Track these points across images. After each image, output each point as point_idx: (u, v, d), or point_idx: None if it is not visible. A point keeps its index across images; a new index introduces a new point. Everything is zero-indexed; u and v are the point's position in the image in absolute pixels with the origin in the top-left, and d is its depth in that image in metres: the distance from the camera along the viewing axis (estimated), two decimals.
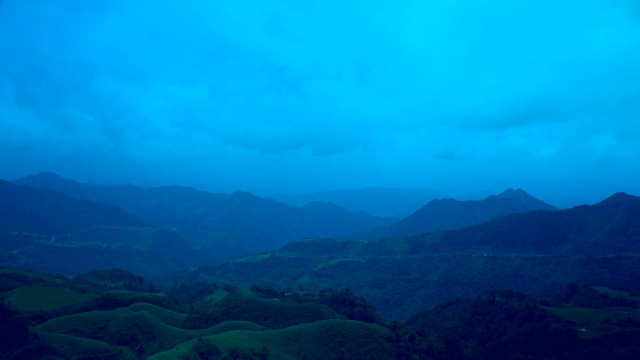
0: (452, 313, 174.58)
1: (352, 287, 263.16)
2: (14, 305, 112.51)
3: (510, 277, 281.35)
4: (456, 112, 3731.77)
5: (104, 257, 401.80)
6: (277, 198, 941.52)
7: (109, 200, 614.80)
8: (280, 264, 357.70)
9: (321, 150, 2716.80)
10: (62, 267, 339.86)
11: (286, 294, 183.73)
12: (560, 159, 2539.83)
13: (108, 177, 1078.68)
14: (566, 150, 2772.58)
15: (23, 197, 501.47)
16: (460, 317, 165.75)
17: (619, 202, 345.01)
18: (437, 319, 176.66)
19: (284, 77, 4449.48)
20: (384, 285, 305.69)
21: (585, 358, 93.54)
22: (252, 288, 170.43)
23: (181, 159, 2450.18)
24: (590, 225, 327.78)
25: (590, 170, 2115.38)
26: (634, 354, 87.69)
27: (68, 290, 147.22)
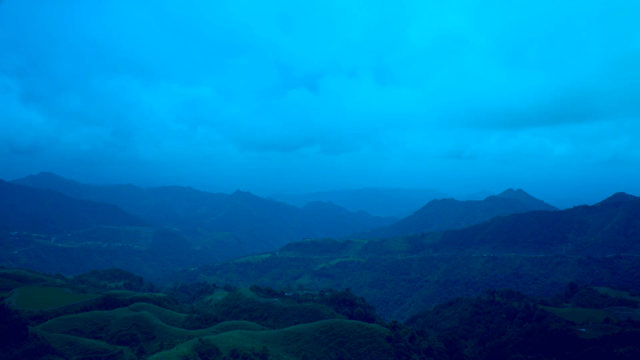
0: (452, 313, 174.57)
1: (352, 287, 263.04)
2: (14, 305, 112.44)
3: (510, 277, 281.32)
4: (474, 110, 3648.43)
5: (104, 257, 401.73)
6: (277, 198, 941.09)
7: (109, 200, 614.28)
8: (280, 264, 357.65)
9: (330, 149, 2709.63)
10: (62, 267, 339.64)
11: (286, 294, 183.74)
12: (575, 160, 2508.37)
13: (108, 177, 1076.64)
14: (584, 151, 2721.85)
15: (23, 197, 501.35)
16: (460, 317, 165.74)
17: (619, 202, 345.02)
18: (437, 319, 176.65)
19: (296, 75, 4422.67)
20: (384, 285, 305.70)
21: (585, 358, 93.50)
22: (252, 288, 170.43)
23: (185, 159, 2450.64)
24: (590, 225, 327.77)
25: (602, 170, 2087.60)
26: (634, 354, 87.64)
27: (68, 290, 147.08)
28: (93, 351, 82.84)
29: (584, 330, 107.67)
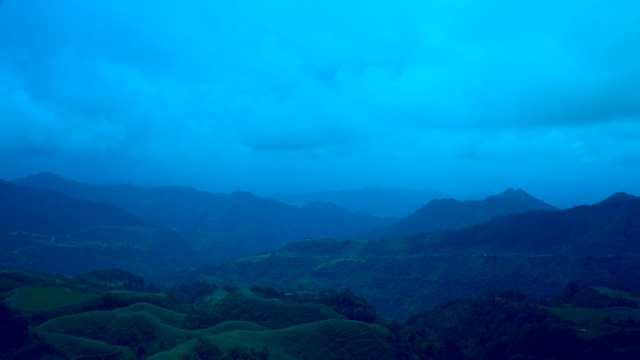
0: (452, 313, 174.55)
1: (352, 287, 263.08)
2: (14, 305, 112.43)
3: (510, 277, 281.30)
4: (499, 108, 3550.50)
5: (104, 257, 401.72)
6: (277, 198, 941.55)
7: (109, 200, 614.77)
8: (280, 264, 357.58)
9: (342, 149, 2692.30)
10: (62, 267, 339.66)
11: (286, 294, 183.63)
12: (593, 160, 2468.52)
13: (108, 177, 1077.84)
14: (602, 151, 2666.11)
15: (23, 197, 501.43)
16: (460, 317, 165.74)
17: (619, 202, 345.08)
18: (437, 319, 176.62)
19: (310, 70, 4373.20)
20: (384, 285, 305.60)
21: (585, 358, 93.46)
22: (252, 288, 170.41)
23: (194, 158, 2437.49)
24: (590, 225, 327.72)
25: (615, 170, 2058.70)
26: (634, 354, 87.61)
27: (68, 290, 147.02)
28: (93, 351, 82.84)
29: (584, 330, 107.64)
